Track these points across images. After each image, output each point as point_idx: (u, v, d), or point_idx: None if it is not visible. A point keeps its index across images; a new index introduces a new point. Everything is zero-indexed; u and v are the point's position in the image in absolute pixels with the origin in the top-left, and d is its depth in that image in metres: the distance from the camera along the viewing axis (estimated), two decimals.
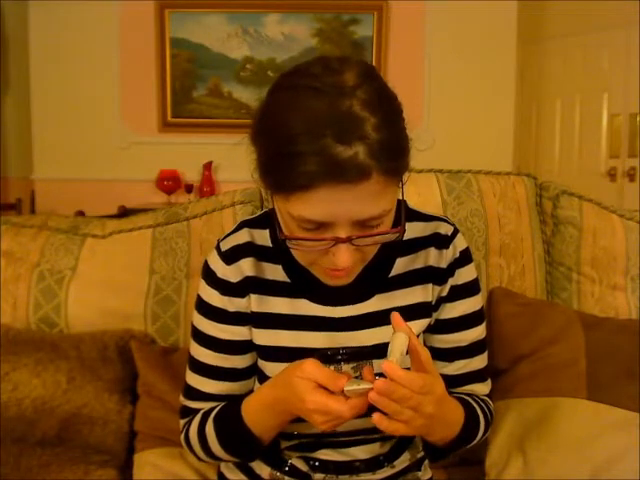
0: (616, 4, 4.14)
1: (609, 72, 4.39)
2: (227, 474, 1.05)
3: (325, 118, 0.73)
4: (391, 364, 0.73)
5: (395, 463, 1.00)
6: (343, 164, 0.72)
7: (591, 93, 4.48)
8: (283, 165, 0.75)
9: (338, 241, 0.78)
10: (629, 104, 4.29)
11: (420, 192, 1.35)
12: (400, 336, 0.77)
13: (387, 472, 0.99)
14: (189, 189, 4.17)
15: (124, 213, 3.52)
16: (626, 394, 1.13)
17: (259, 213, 1.03)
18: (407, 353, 0.79)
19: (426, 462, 1.07)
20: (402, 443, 1.01)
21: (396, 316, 0.79)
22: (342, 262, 0.79)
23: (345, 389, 0.76)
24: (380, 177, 0.74)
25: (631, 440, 1.08)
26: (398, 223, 0.85)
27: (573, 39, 4.49)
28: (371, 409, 0.76)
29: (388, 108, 0.78)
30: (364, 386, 0.76)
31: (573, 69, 4.57)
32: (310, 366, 0.80)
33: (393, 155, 0.76)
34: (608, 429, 1.10)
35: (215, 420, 0.95)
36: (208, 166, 4.14)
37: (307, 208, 0.75)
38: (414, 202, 1.02)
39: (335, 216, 0.76)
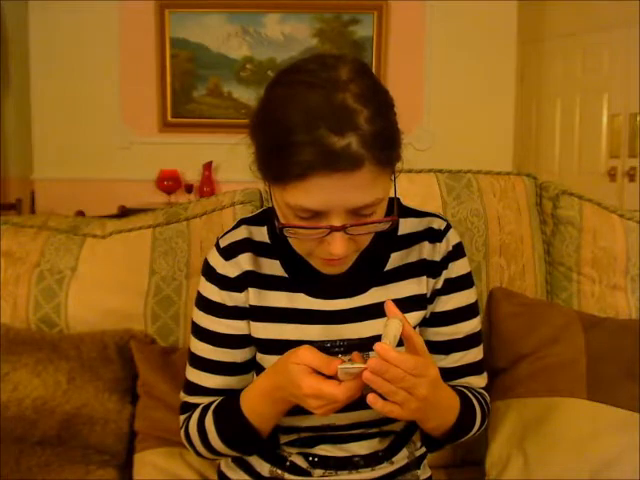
0: (616, 4, 4.14)
1: (609, 72, 4.39)
2: (227, 473, 1.06)
3: (320, 110, 0.76)
4: (383, 345, 0.75)
5: (394, 459, 1.01)
6: (337, 154, 0.75)
7: (591, 93, 4.49)
8: (280, 155, 0.78)
9: (333, 229, 0.80)
10: (629, 104, 4.29)
11: (420, 192, 1.35)
12: (393, 322, 0.79)
13: (386, 469, 1.00)
14: (189, 189, 4.17)
15: (124, 213, 3.53)
16: (626, 394, 1.13)
17: (257, 211, 1.06)
18: (402, 344, 0.80)
19: (425, 461, 1.08)
20: (400, 439, 1.02)
21: (390, 304, 0.81)
22: (337, 250, 0.81)
23: (338, 369, 0.78)
24: (372, 166, 0.77)
25: (631, 440, 1.09)
26: (391, 215, 0.88)
27: (573, 39, 4.49)
28: (366, 403, 0.77)
29: (380, 101, 0.81)
30: (357, 365, 0.77)
31: (573, 69, 4.57)
32: (304, 352, 0.82)
33: (384, 145, 0.79)
34: (608, 429, 1.10)
35: (214, 413, 0.96)
36: (208, 166, 4.14)
37: (303, 197, 0.78)
38: (414, 202, 1.03)
39: (330, 204, 0.79)
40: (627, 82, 4.28)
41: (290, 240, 0.88)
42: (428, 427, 0.93)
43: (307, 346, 0.83)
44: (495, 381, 1.22)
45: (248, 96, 4.23)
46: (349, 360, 0.83)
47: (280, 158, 0.78)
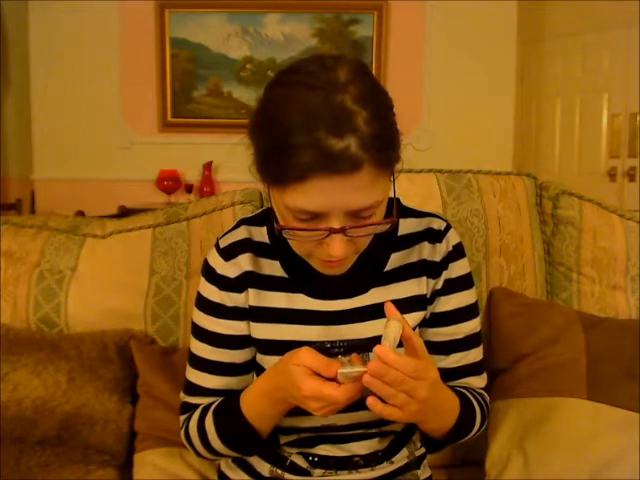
0: (616, 4, 4.14)
1: (609, 72, 4.39)
2: (228, 473, 1.06)
3: (318, 112, 0.76)
4: (383, 348, 0.75)
5: (394, 459, 1.01)
6: (336, 156, 0.75)
7: (591, 93, 4.48)
8: (279, 157, 0.77)
9: (332, 231, 0.80)
10: (629, 104, 4.29)
11: (420, 192, 1.35)
12: (393, 324, 0.79)
13: (386, 468, 1.00)
14: (189, 189, 4.17)
15: (124, 213, 3.53)
16: (626, 394, 1.13)
17: (257, 211, 1.06)
18: (402, 345, 0.80)
19: (425, 461, 1.08)
20: (400, 439, 1.02)
21: (390, 306, 0.81)
22: (336, 252, 0.81)
23: (339, 373, 0.78)
24: (372, 168, 0.77)
25: (631, 440, 1.08)
26: (390, 216, 0.87)
27: (573, 39, 4.49)
28: (366, 404, 0.77)
29: (379, 102, 0.80)
30: (357, 369, 0.77)
31: (573, 69, 4.57)
32: (305, 354, 0.82)
33: (384, 147, 0.78)
34: (608, 429, 1.10)
35: (214, 413, 0.96)
36: (208, 166, 4.14)
37: (302, 199, 0.78)
38: (414, 202, 1.03)
39: (329, 206, 0.78)
40: (627, 82, 4.27)
41: (289, 241, 0.88)
42: (428, 429, 0.93)
43: (307, 348, 0.83)
44: (495, 381, 1.22)
45: (248, 96, 4.23)
46: (348, 361, 0.83)
47: (278, 160, 0.77)
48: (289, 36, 4.21)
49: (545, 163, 4.75)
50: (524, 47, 4.52)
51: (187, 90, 4.27)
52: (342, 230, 0.80)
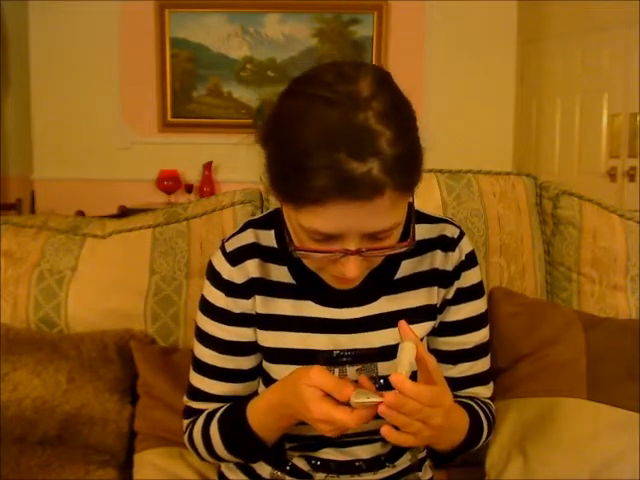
0: (616, 4, 4.14)
1: (609, 72, 4.39)
2: (227, 474, 1.05)
3: (339, 132, 0.71)
4: (400, 376, 0.73)
5: (396, 463, 1.00)
6: (356, 180, 0.71)
7: (591, 93, 4.48)
8: (294, 178, 0.74)
9: (347, 253, 0.78)
10: (629, 104, 4.29)
11: (420, 192, 1.33)
12: (408, 346, 0.77)
13: (388, 472, 0.99)
14: (189, 189, 4.17)
15: (124, 213, 3.53)
16: (626, 394, 1.13)
17: (264, 213, 1.03)
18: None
19: (427, 462, 1.07)
20: None
21: (403, 325, 0.79)
22: (350, 272, 0.79)
23: (352, 401, 0.76)
24: (393, 193, 0.74)
25: (631, 440, 1.08)
26: (407, 231, 0.85)
27: (573, 39, 4.49)
28: (381, 433, 0.76)
29: (403, 118, 0.76)
30: (373, 399, 0.75)
31: (573, 69, 4.57)
32: (317, 374, 0.79)
33: (407, 170, 0.75)
34: (608, 429, 1.10)
35: (219, 421, 0.94)
36: (208, 166, 4.14)
37: (318, 221, 0.75)
38: (415, 202, 1.02)
39: (346, 229, 0.76)
40: (627, 82, 4.27)
41: (302, 258, 0.86)
42: (438, 448, 0.93)
43: (319, 367, 0.80)
44: (495, 381, 1.22)
45: (248, 96, 4.23)
46: (357, 370, 0.81)
47: (294, 180, 0.73)
48: (289, 36, 4.21)
49: (545, 163, 4.75)
50: (524, 47, 4.52)
51: (187, 90, 4.27)
52: (358, 252, 0.78)
